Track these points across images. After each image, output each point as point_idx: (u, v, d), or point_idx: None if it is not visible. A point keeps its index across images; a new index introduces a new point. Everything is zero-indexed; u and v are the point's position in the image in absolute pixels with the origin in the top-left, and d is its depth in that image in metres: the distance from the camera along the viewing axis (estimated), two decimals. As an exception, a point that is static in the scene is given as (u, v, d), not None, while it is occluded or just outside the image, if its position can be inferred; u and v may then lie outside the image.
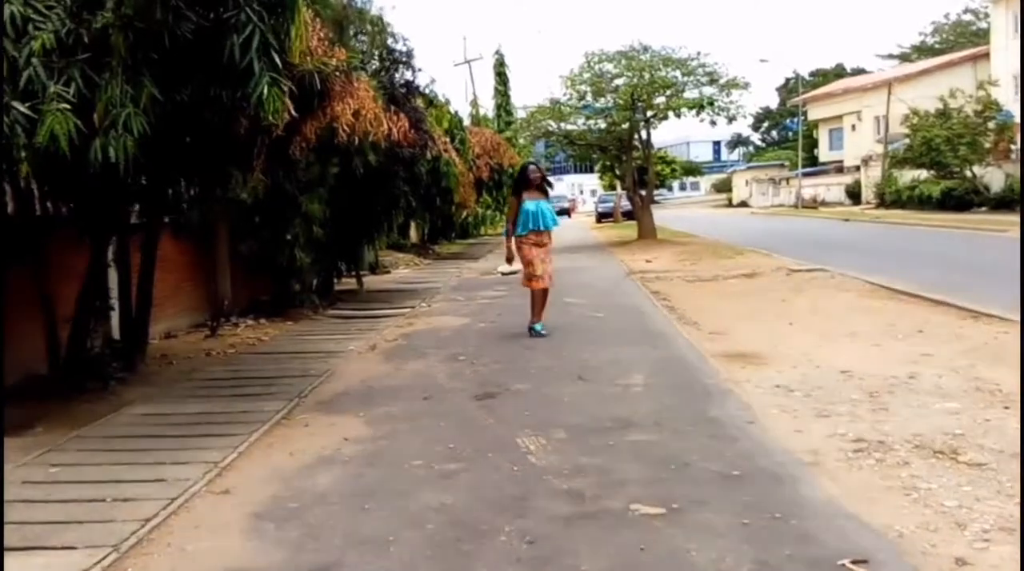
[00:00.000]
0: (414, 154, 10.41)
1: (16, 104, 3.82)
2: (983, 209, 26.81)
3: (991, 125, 27.92)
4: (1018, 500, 3.30)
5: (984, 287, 9.58)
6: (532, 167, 7.84)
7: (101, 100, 3.99)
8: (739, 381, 5.53)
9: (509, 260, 7.93)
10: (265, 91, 4.20)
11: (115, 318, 6.62)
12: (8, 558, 3.01)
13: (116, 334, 6.67)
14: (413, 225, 21.76)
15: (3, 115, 3.77)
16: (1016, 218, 22.55)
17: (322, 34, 5.32)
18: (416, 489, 3.72)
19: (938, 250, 15.53)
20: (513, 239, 7.79)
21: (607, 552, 2.95)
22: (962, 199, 27.89)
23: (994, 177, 28.16)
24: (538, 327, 7.65)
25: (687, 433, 4.39)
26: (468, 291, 12.29)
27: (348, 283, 12.79)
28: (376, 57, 9.26)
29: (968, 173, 28.37)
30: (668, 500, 3.39)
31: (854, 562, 2.75)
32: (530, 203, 7.52)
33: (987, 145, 27.94)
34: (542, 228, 7.55)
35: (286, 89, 4.39)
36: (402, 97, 9.80)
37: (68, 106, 3.89)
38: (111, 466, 4.27)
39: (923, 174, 30.45)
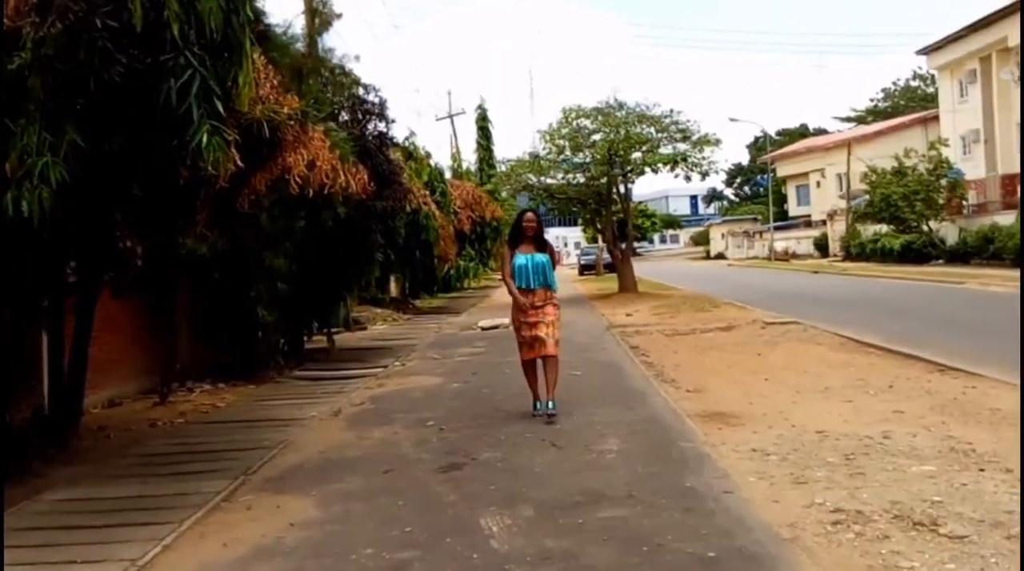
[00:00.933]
0: (388, 207, 10.10)
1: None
2: (940, 261, 28.13)
3: (943, 182, 29.59)
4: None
5: (947, 339, 9.91)
6: (528, 215, 6.66)
7: (15, 148, 3.61)
8: (716, 445, 5.26)
9: (524, 309, 6.39)
10: (205, 140, 3.84)
11: (46, 387, 6.06)
12: None
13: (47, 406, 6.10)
14: (392, 279, 21.38)
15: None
16: (970, 270, 23.68)
17: (276, 81, 5.02)
18: (361, 587, 3.23)
19: (902, 302, 15.94)
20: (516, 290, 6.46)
21: None
22: (920, 252, 29.32)
23: (949, 231, 29.67)
24: (538, 406, 6.39)
25: (661, 507, 4.03)
26: (445, 348, 11.84)
27: (320, 341, 12.29)
28: (347, 108, 9.02)
29: (925, 227, 29.88)
30: None
31: None
32: (521, 257, 6.38)
33: (940, 201, 29.56)
34: (533, 286, 6.33)
35: (230, 138, 4.03)
36: (374, 149, 9.53)
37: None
38: (10, 567, 3.70)
39: (884, 228, 32.01)
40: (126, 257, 5.97)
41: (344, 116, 9.39)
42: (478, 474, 4.83)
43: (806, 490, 4.22)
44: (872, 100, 58.14)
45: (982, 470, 4.43)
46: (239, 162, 4.27)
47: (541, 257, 6.40)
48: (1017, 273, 21.46)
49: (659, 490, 4.30)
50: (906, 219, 29.90)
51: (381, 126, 9.85)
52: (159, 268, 7.13)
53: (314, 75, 5.69)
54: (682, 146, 20.12)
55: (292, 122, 4.82)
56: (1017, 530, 3.52)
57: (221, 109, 3.95)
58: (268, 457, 5.55)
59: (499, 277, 39.83)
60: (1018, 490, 4.07)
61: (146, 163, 4.26)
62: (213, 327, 9.24)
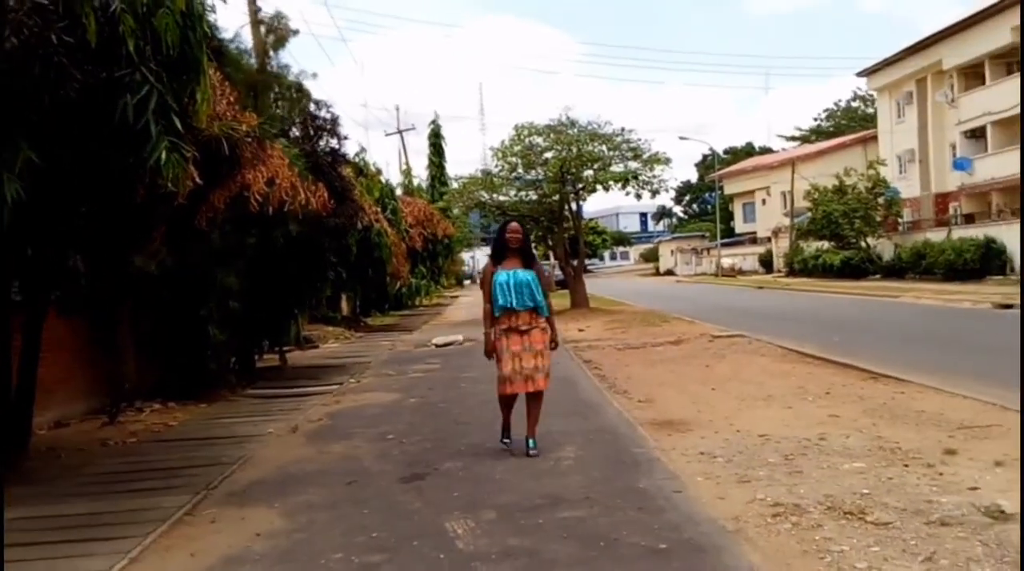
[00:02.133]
0: (340, 224, 10.11)
1: None
2: (877, 276, 29.56)
3: (880, 200, 31.20)
4: (924, 557, 3.34)
5: (881, 349, 10.56)
6: (512, 225, 5.79)
7: (-31, 164, 3.59)
8: (666, 449, 5.51)
9: (488, 355, 5.62)
10: (163, 156, 3.89)
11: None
12: None
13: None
14: (344, 297, 21.19)
15: None
16: (905, 284, 25.01)
17: (232, 98, 5.06)
18: (331, 590, 3.29)
19: (840, 315, 16.74)
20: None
21: None
22: (859, 267, 30.69)
23: (885, 247, 31.22)
24: (508, 440, 5.69)
25: (616, 507, 4.23)
26: (400, 365, 11.83)
27: (271, 360, 12.13)
28: (298, 124, 9.03)
29: (863, 244, 31.39)
30: None
31: None
32: (503, 273, 5.52)
33: (878, 218, 31.14)
34: (516, 307, 5.46)
35: (189, 155, 4.08)
36: (327, 165, 9.56)
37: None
38: None
39: (825, 245, 33.36)
40: (74, 275, 5.88)
41: (295, 132, 9.40)
42: (440, 482, 4.92)
43: (749, 488, 4.48)
44: (816, 120, 60.17)
45: (907, 465, 4.78)
46: (198, 179, 4.31)
47: (526, 274, 5.52)
48: (947, 286, 22.69)
49: (614, 492, 4.48)
50: (845, 236, 31.35)
51: (333, 142, 9.90)
52: (106, 286, 7.02)
53: (268, 91, 5.72)
54: (633, 164, 20.53)
55: (250, 139, 4.86)
56: (937, 516, 3.82)
57: (179, 125, 4.01)
58: (228, 472, 5.51)
59: (452, 295, 39.50)
60: (938, 482, 4.41)
61: (103, 180, 4.25)
62: (161, 346, 9.05)
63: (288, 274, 9.97)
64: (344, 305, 21.73)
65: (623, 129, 20.81)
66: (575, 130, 20.41)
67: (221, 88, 4.76)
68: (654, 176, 20.39)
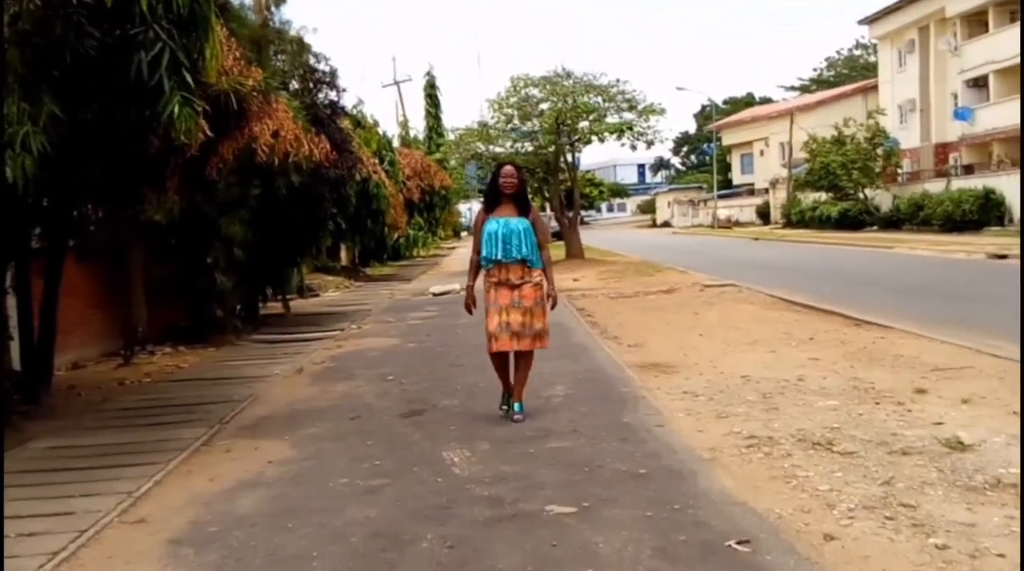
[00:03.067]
0: (340, 175, 10.33)
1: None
2: (874, 228, 29.65)
3: (879, 151, 30.98)
4: (883, 480, 3.68)
5: (870, 297, 10.79)
6: (506, 168, 5.20)
7: (-3, 118, 3.84)
8: (651, 389, 5.85)
9: (468, 308, 5.39)
10: (176, 110, 4.13)
11: (15, 349, 6.25)
12: None
13: (17, 366, 6.31)
14: (343, 247, 21.49)
15: None
16: (901, 236, 25.12)
17: (238, 53, 5.27)
18: (340, 506, 3.68)
19: (833, 265, 16.98)
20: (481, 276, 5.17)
21: (522, 550, 3.07)
22: (856, 219, 30.78)
23: (883, 199, 31.16)
24: (517, 407, 5.15)
25: (601, 438, 4.58)
26: (399, 312, 12.21)
27: (274, 307, 12.49)
28: (297, 77, 9.18)
29: (861, 195, 31.33)
30: (580, 499, 3.58)
31: (739, 542, 3.04)
32: (494, 222, 5.03)
33: (876, 170, 30.96)
34: (504, 259, 4.99)
35: (199, 109, 4.32)
36: (326, 118, 9.73)
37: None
38: (13, 502, 3.98)
39: (823, 196, 33.30)
40: (90, 223, 6.17)
41: (295, 85, 9.54)
42: (438, 418, 5.31)
43: (727, 423, 4.82)
44: (816, 69, 59.50)
45: (878, 403, 5.10)
46: (208, 131, 4.56)
47: (519, 223, 5.02)
48: (944, 237, 22.90)
49: (600, 426, 4.85)
50: (843, 187, 31.23)
51: (332, 95, 10.05)
52: (119, 234, 7.31)
53: (270, 46, 5.91)
54: (628, 115, 20.65)
55: (256, 93, 5.10)
56: (899, 447, 4.15)
57: (190, 80, 4.24)
58: (239, 409, 5.91)
59: (449, 246, 39.67)
60: (905, 417, 4.73)
61: (120, 133, 4.51)
62: (169, 293, 9.42)
63: (290, 224, 10.24)
64: (343, 255, 22.04)
65: (618, 80, 20.86)
66: (570, 81, 20.45)
67: (227, 44, 4.95)
68: (649, 127, 20.54)
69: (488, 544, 3.15)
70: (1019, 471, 3.63)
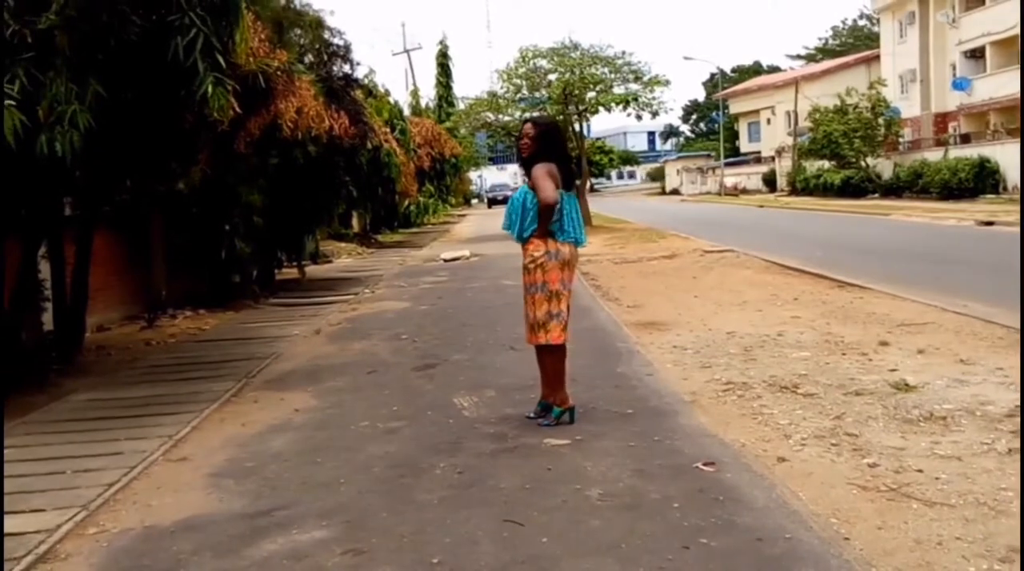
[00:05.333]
0: (354, 145, 10.68)
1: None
2: (876, 195, 29.82)
3: (881, 120, 31.05)
4: (834, 416, 4.19)
5: (860, 262, 11.21)
6: (525, 127, 4.49)
7: (46, 97, 4.24)
8: (645, 344, 6.34)
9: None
10: (210, 90, 4.52)
11: (49, 312, 6.68)
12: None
13: (51, 327, 6.71)
14: (355, 215, 21.89)
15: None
16: (900, 203, 25.31)
17: (263, 35, 5.62)
18: (363, 444, 4.17)
19: (832, 231, 17.38)
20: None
21: (521, 473, 3.59)
22: (859, 186, 30.97)
23: (884, 167, 31.27)
24: (556, 412, 4.28)
25: (596, 385, 5.07)
26: (410, 278, 12.66)
27: (289, 273, 12.99)
28: (313, 51, 9.50)
29: (863, 163, 31.46)
30: (574, 435, 4.10)
31: (705, 464, 3.57)
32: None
33: (878, 138, 31.14)
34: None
35: (230, 88, 4.71)
36: (341, 90, 10.06)
37: (13, 102, 4.14)
38: (64, 445, 4.47)
39: (826, 164, 33.49)
40: (120, 193, 6.60)
41: (310, 58, 9.86)
42: (449, 370, 5.79)
43: (709, 372, 5.33)
44: (821, 39, 59.19)
45: (844, 354, 5.61)
46: (238, 108, 4.96)
47: (519, 192, 4.35)
48: (940, 204, 23.15)
49: (595, 375, 5.33)
50: (845, 155, 31.49)
51: (346, 68, 10.38)
52: (141, 203, 7.73)
53: (293, 27, 6.26)
54: (634, 86, 20.90)
55: (281, 73, 5.47)
56: (854, 389, 4.65)
57: (222, 62, 4.62)
58: (263, 365, 6.40)
59: (459, 213, 39.61)
60: (866, 366, 5.21)
61: (158, 110, 4.92)
62: (190, 259, 9.87)
63: (306, 192, 10.66)
64: (355, 223, 22.45)
65: (624, 52, 21.05)
66: (578, 53, 20.63)
67: (254, 27, 5.31)
68: (654, 98, 20.72)
69: (493, 470, 3.67)
70: (954, 408, 4.17)
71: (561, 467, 3.63)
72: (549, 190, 4.09)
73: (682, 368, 5.49)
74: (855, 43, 51.83)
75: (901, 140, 33.27)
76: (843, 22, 59.16)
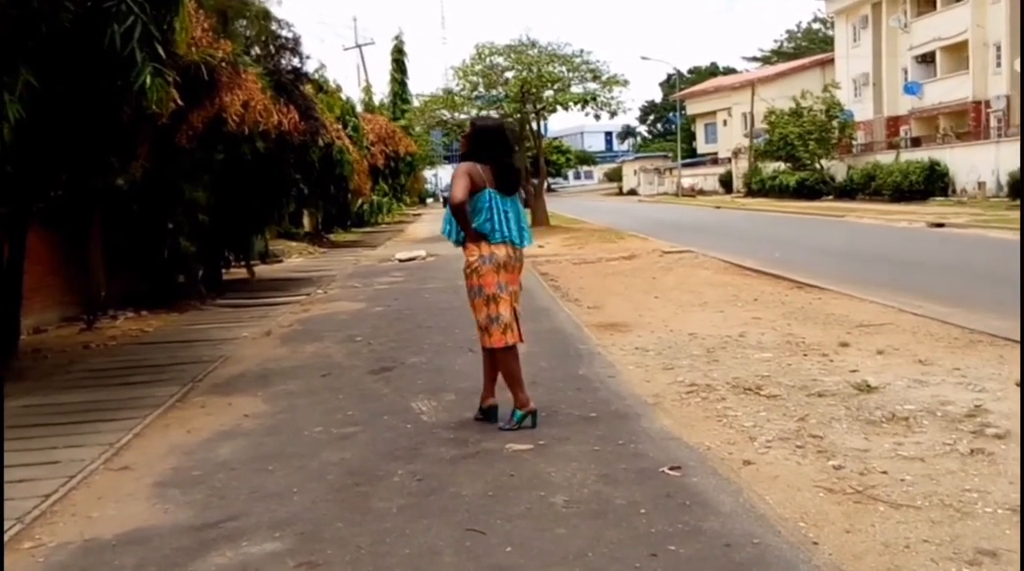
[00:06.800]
0: (304, 141, 10.41)
1: None
2: (830, 197, 30.61)
3: (835, 123, 31.95)
4: (798, 417, 4.18)
5: (817, 263, 11.41)
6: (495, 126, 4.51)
7: (-26, 87, 3.98)
8: (606, 346, 6.27)
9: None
10: (148, 81, 4.31)
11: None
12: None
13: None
14: (306, 213, 21.45)
15: None
16: (853, 205, 25.91)
17: (206, 24, 5.39)
18: (316, 450, 4.01)
19: (785, 233, 17.73)
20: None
21: (483, 480, 3.48)
22: (813, 188, 31.75)
23: (838, 169, 32.12)
24: (517, 415, 4.17)
25: (558, 388, 4.99)
26: (365, 278, 12.43)
27: (238, 273, 12.62)
28: (260, 43, 9.21)
29: (817, 165, 32.36)
30: (536, 439, 4.02)
31: (671, 468, 3.52)
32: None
33: (832, 141, 32.01)
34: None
35: (171, 79, 4.49)
36: (290, 84, 9.79)
37: (-62, 93, 3.87)
38: None
39: (782, 166, 34.26)
40: (54, 189, 6.27)
41: (256, 50, 9.55)
42: (406, 373, 5.64)
43: (672, 373, 5.29)
44: (777, 41, 60.37)
45: (805, 355, 5.64)
46: (179, 101, 4.73)
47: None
48: (892, 206, 23.90)
49: (557, 377, 5.26)
50: (800, 158, 32.28)
51: (295, 61, 10.09)
52: (78, 200, 7.37)
53: (238, 18, 6.04)
54: (592, 86, 20.99)
55: (226, 65, 5.25)
56: (817, 390, 4.67)
57: (162, 52, 4.40)
58: (210, 369, 6.15)
59: (414, 213, 39.32)
60: (827, 367, 5.23)
61: (93, 102, 4.65)
62: (130, 258, 9.48)
63: (254, 189, 10.34)
64: (307, 221, 22.01)
65: (582, 50, 21.13)
66: (535, 51, 20.61)
67: (196, 16, 5.08)
68: (612, 98, 20.86)
69: (453, 476, 3.55)
70: (915, 409, 4.20)
71: (524, 473, 3.55)
72: (456, 190, 4.03)
73: (644, 370, 5.45)
74: (809, 46, 53.01)
75: (854, 143, 34.19)
76: (798, 25, 61.21)
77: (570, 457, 3.72)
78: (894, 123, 34.19)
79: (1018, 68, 23.66)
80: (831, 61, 39.77)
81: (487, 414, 4.32)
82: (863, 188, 28.78)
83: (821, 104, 31.78)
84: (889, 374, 4.94)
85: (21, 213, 6.32)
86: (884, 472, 3.40)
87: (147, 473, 3.85)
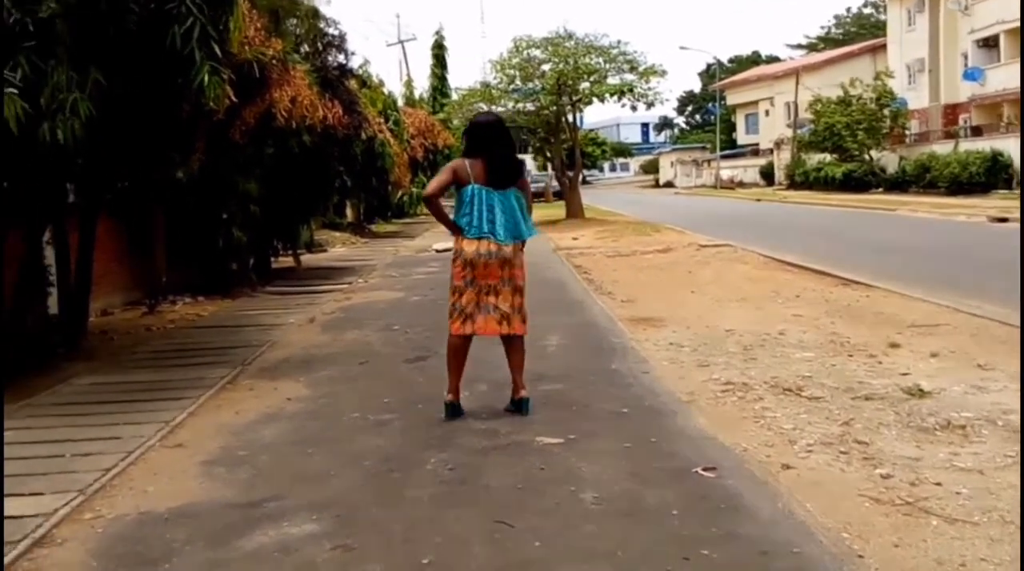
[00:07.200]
0: (348, 135, 10.70)
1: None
2: (880, 190, 29.20)
3: (886, 112, 30.50)
4: (843, 421, 4.04)
5: (862, 259, 10.86)
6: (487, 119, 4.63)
7: (48, 85, 4.26)
8: (640, 340, 6.26)
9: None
10: (206, 79, 4.55)
11: (54, 297, 6.75)
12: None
13: (56, 312, 6.80)
14: (349, 205, 21.87)
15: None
16: (906, 198, 24.70)
17: (259, 24, 5.64)
18: (354, 436, 4.21)
19: (832, 227, 17.04)
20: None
21: (513, 472, 3.55)
22: (861, 180, 30.29)
23: (889, 160, 30.68)
24: (445, 405, 4.37)
25: (590, 382, 5.04)
26: (403, 268, 12.70)
27: (285, 261, 13.02)
28: (308, 41, 9.50)
29: (866, 156, 30.87)
30: (567, 433, 4.02)
31: (705, 469, 3.44)
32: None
33: (883, 131, 30.54)
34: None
35: (226, 77, 4.74)
36: (335, 80, 10.07)
37: (15, 90, 4.16)
38: (65, 428, 4.53)
39: (827, 157, 32.82)
40: (120, 182, 6.63)
41: (305, 48, 9.84)
42: (440, 363, 5.66)
43: (707, 371, 5.17)
44: (824, 27, 58.62)
45: (851, 356, 5.39)
46: (233, 97, 4.98)
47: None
48: (949, 200, 22.42)
49: (589, 371, 5.29)
50: (848, 148, 30.69)
51: (341, 58, 10.38)
52: (142, 192, 7.77)
53: (289, 17, 6.28)
54: (629, 76, 20.84)
55: (276, 62, 5.49)
56: (863, 393, 4.47)
57: (218, 51, 4.64)
58: (259, 353, 6.44)
59: (451, 205, 40.69)
60: (875, 369, 5.00)
61: (155, 99, 4.93)
62: (188, 247, 9.93)
63: (301, 181, 10.67)
64: (349, 212, 22.45)
65: (619, 41, 21.02)
66: (572, 43, 20.60)
67: (249, 15, 5.32)
68: (649, 88, 20.74)
69: (484, 467, 3.62)
70: (973, 417, 3.97)
71: (554, 467, 3.56)
72: (429, 185, 4.40)
73: (679, 366, 5.37)
74: (860, 32, 51.12)
75: (908, 132, 32.46)
76: (847, 10, 58.19)
77: (601, 453, 3.71)
78: (952, 111, 32.27)
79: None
80: (883, 47, 38.03)
81: (518, 406, 4.45)
82: (917, 180, 27.26)
83: (872, 92, 30.31)
84: (944, 378, 4.69)
85: (92, 204, 6.71)
86: (938, 483, 3.21)
87: (198, 451, 4.08)
